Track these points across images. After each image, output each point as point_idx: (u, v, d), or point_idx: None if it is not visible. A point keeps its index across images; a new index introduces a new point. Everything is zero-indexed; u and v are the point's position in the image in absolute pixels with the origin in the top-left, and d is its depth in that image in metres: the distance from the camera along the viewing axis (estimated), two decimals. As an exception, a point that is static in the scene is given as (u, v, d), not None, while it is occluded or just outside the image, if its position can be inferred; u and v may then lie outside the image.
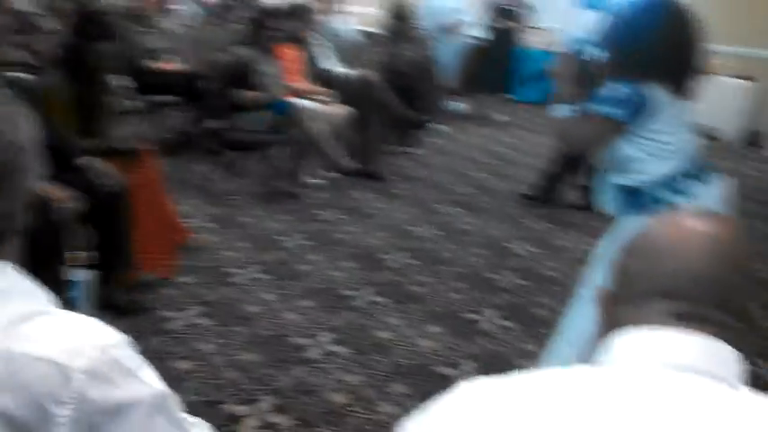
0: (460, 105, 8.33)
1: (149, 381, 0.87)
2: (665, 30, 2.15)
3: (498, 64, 8.08)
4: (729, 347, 0.80)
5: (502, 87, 8.31)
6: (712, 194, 2.23)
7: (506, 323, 3.31)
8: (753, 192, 6.17)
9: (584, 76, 2.46)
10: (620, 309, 0.86)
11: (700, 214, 0.90)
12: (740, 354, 0.81)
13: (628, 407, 0.74)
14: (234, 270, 3.63)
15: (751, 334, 0.84)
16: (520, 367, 2.82)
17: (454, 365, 2.91)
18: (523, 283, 3.80)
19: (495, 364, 2.95)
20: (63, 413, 0.79)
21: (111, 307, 3.03)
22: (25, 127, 0.90)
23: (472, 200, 5.19)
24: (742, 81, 8.07)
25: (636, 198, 2.25)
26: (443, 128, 7.36)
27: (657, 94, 2.13)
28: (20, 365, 0.79)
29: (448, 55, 7.90)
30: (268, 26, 4.69)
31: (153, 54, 5.45)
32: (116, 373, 0.83)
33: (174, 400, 0.90)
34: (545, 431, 0.73)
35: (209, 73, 4.91)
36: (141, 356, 0.89)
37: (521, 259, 4.14)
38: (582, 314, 2.42)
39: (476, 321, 3.31)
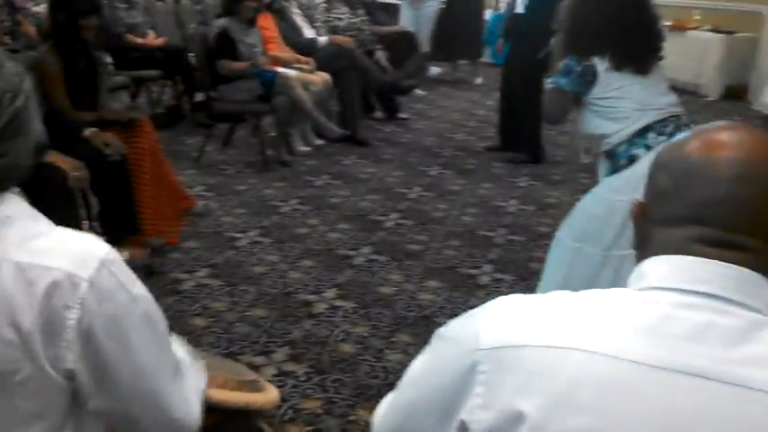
0: (436, 70, 8.43)
1: (140, 294, 1.01)
2: (600, 4, 2.42)
3: (471, 27, 8.16)
4: (759, 275, 0.78)
5: (479, 52, 8.40)
6: None
7: (503, 276, 3.47)
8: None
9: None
10: (654, 229, 0.85)
11: (734, 130, 0.85)
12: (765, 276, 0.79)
13: (649, 336, 0.75)
14: (235, 234, 3.74)
15: None
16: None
17: (456, 316, 3.05)
18: (517, 238, 3.96)
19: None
20: (71, 316, 0.93)
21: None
22: (28, 80, 1.01)
23: (458, 161, 5.33)
24: (721, 35, 8.24)
25: (614, 161, 2.48)
26: (423, 93, 7.47)
27: (602, 65, 2.41)
28: (34, 275, 0.92)
29: (421, 20, 8.00)
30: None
31: (134, 29, 5.47)
32: (113, 284, 0.96)
33: (159, 316, 1.04)
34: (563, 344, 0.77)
35: (191, 46, 4.96)
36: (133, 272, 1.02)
37: (512, 216, 4.30)
38: (555, 258, 2.62)
39: (474, 276, 3.46)
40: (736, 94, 8.15)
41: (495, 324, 0.83)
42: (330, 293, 3.19)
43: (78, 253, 0.95)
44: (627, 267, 2.45)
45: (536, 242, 3.84)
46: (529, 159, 5.30)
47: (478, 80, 8.37)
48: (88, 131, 3.07)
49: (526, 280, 3.37)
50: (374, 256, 3.61)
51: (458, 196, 4.58)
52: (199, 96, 5.33)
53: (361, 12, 6.37)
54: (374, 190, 4.59)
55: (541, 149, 5.37)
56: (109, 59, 4.96)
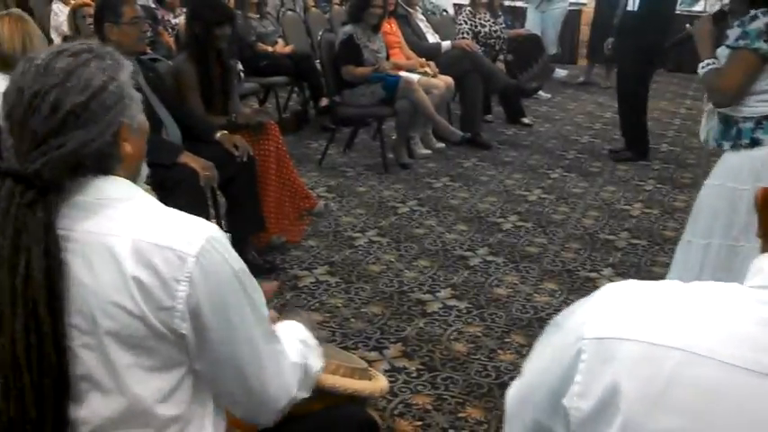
0: (564, 72, 8.26)
1: (241, 269, 1.09)
2: None
3: (605, 29, 7.92)
4: None
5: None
6: None
7: (623, 280, 3.35)
8: None
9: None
10: None
11: None
12: None
13: (758, 341, 0.72)
14: (354, 234, 3.85)
15: None
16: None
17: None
18: (639, 242, 3.81)
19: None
20: (180, 288, 1.03)
21: (247, 267, 3.31)
22: (126, 70, 1.12)
23: (582, 164, 5.20)
24: None
25: (731, 132, 2.34)
26: (548, 96, 7.34)
27: None
28: (147, 251, 1.03)
29: (549, 22, 7.86)
30: (371, 3, 4.84)
31: (265, 38, 5.75)
32: (217, 259, 1.05)
33: (259, 292, 1.12)
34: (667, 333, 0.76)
35: (318, 53, 5.14)
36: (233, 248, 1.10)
37: (636, 220, 4.14)
38: (681, 260, 2.50)
39: (592, 279, 3.37)
40: None
41: (601, 314, 0.82)
42: (444, 293, 3.21)
43: (186, 231, 1.05)
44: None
45: (660, 246, 3.69)
46: (633, 156, 5.15)
47: (608, 83, 8.12)
48: (219, 134, 3.26)
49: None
50: (491, 258, 3.60)
51: (579, 199, 4.47)
52: (324, 101, 5.51)
53: (501, 19, 6.39)
54: (493, 192, 4.57)
55: (646, 145, 5.21)
56: (240, 67, 5.25)
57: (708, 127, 2.50)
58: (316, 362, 1.28)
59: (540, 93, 7.26)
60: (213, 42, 3.48)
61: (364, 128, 5.35)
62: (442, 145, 5.41)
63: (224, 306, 1.06)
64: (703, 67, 2.38)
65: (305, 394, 1.23)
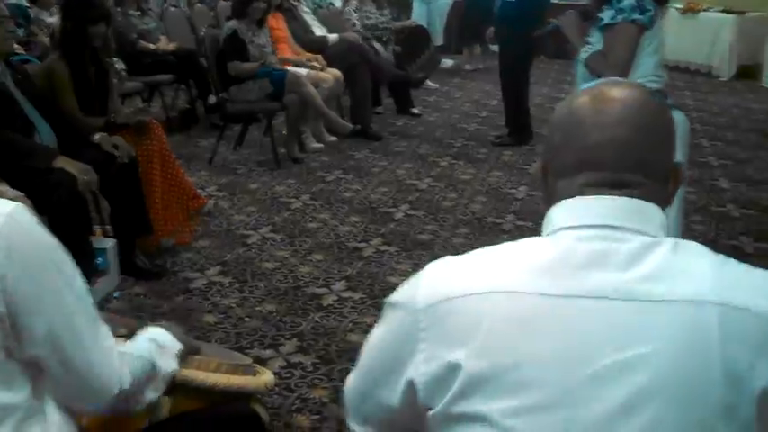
0: (449, 62, 8.45)
1: (49, 244, 1.10)
2: None
3: (482, 17, 8.17)
4: (649, 203, 0.88)
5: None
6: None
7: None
8: (755, 123, 6.30)
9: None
10: (556, 183, 0.93)
11: (613, 84, 0.95)
12: (660, 207, 0.89)
13: (555, 269, 0.84)
14: (246, 232, 3.81)
15: (667, 189, 0.93)
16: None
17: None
18: (524, 224, 3.97)
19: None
20: None
21: (135, 271, 3.22)
22: None
23: (469, 151, 5.35)
24: (732, 15, 8.13)
25: None
26: (435, 86, 7.49)
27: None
28: None
29: (435, 13, 8.03)
30: (254, -2, 4.79)
31: (147, 35, 5.57)
32: (21, 235, 1.06)
33: (73, 270, 1.13)
34: (481, 287, 0.85)
35: (202, 49, 5.03)
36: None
37: (520, 203, 4.30)
38: None
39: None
40: (748, 74, 8.04)
41: (429, 283, 0.91)
42: (339, 285, 3.23)
43: None
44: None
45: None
46: (516, 141, 5.36)
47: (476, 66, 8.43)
48: (97, 136, 3.15)
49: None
50: (384, 248, 3.65)
51: (467, 185, 4.60)
52: (212, 99, 5.40)
53: (387, 11, 6.44)
54: (385, 182, 4.63)
55: (529, 130, 5.44)
56: (122, 66, 5.08)
57: None
58: (168, 363, 1.28)
59: (429, 83, 7.41)
60: (87, 41, 3.35)
61: (254, 124, 5.28)
62: (333, 138, 5.43)
63: (34, 280, 1.05)
64: (586, 52, 2.51)
65: (153, 394, 1.22)
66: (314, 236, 3.78)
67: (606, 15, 2.42)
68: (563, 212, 0.90)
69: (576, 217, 0.88)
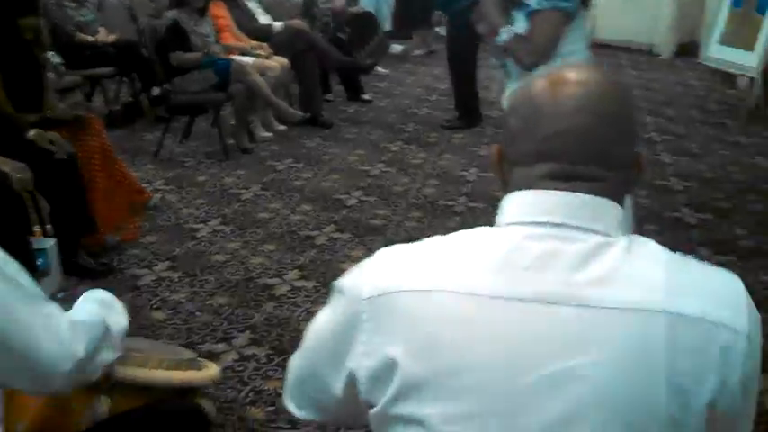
0: (399, 47, 8.42)
1: None
2: None
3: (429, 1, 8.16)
4: (606, 200, 0.82)
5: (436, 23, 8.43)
6: None
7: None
8: (696, 100, 6.42)
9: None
10: (512, 170, 0.88)
11: (574, 68, 0.88)
12: (619, 203, 0.84)
13: (500, 270, 0.80)
14: (196, 225, 3.73)
15: (630, 178, 0.87)
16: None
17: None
18: (476, 205, 3.98)
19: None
20: None
21: (79, 271, 3.13)
22: None
23: (420, 136, 5.34)
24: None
25: None
26: (386, 71, 7.45)
27: None
28: None
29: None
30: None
31: (85, 27, 5.41)
32: None
33: (12, 263, 1.11)
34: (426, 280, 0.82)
35: (143, 40, 4.91)
36: None
37: (471, 185, 4.32)
38: None
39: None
40: (688, 51, 8.20)
41: (376, 273, 0.87)
42: (292, 275, 3.20)
43: None
44: None
45: (496, 207, 3.86)
46: (464, 124, 5.38)
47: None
48: (32, 132, 3.04)
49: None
50: (336, 235, 3.62)
51: (419, 169, 4.60)
52: (156, 91, 5.28)
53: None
54: (337, 170, 4.59)
55: (478, 113, 5.45)
56: (59, 59, 4.91)
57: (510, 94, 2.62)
58: (119, 319, 1.26)
59: (378, 69, 7.36)
60: (17, 34, 3.23)
61: (202, 115, 5.18)
62: (283, 127, 5.36)
63: None
64: (505, 33, 2.48)
65: (111, 355, 1.20)
66: (265, 226, 3.73)
67: (533, 1, 2.42)
68: (515, 206, 0.85)
69: (529, 212, 0.83)
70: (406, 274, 0.84)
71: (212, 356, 2.59)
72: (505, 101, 2.66)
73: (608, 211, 0.83)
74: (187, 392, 1.40)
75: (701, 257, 3.40)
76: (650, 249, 0.83)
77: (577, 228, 0.81)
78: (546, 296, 0.78)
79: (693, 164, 4.73)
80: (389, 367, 0.81)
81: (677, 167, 4.65)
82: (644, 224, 3.67)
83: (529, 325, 0.77)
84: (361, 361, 0.84)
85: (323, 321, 0.94)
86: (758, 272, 3.16)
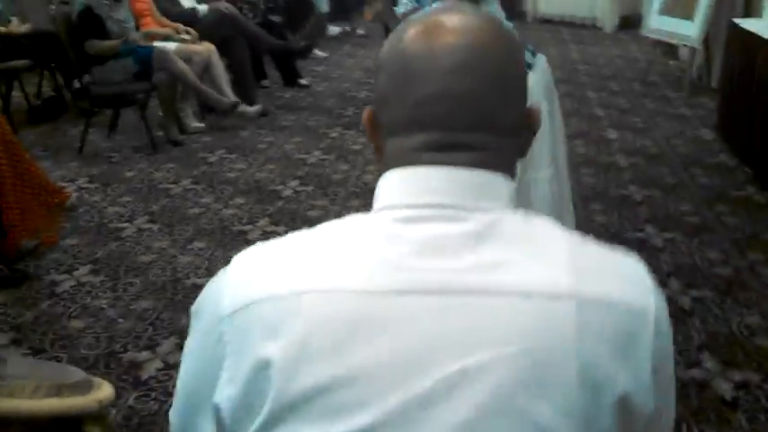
0: (336, 29, 8.23)
1: None
2: None
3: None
4: (494, 173, 0.70)
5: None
6: (542, 64, 2.38)
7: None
8: (639, 73, 6.39)
9: None
10: (386, 140, 0.74)
11: (454, 12, 0.72)
12: (510, 171, 0.72)
13: (378, 261, 0.66)
14: (121, 225, 3.50)
15: (521, 139, 0.75)
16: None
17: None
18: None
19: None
20: None
21: (-10, 280, 2.89)
22: None
23: (359, 120, 5.16)
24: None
25: None
26: (324, 54, 7.25)
27: None
28: None
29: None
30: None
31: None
32: None
33: None
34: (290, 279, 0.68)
35: (55, 28, 4.60)
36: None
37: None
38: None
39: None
40: (630, 24, 8.20)
41: (235, 283, 0.71)
42: (223, 273, 3.00)
43: None
44: (542, 186, 2.34)
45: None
46: None
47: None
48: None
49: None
50: (271, 228, 3.44)
51: (359, 155, 4.43)
52: (77, 83, 4.97)
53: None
54: (272, 159, 4.39)
55: None
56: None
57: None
58: None
59: (317, 52, 7.16)
60: None
61: (129, 107, 4.91)
62: (215, 116, 5.11)
63: None
64: (403, 4, 2.34)
65: None
66: (195, 222, 3.51)
67: None
68: (390, 186, 0.71)
69: (405, 192, 0.70)
70: (271, 279, 0.69)
71: (135, 366, 2.40)
72: None
73: (498, 184, 0.70)
74: (70, 422, 1.22)
75: (649, 235, 3.32)
76: (548, 227, 0.70)
77: (464, 207, 0.68)
78: (433, 287, 0.65)
79: (639, 139, 4.67)
80: (259, 389, 0.65)
81: (622, 143, 4.59)
82: (590, 203, 3.58)
83: (416, 322, 0.64)
84: (226, 390, 0.68)
85: (186, 354, 0.77)
86: (704, 249, 3.09)
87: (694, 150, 4.44)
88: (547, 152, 2.34)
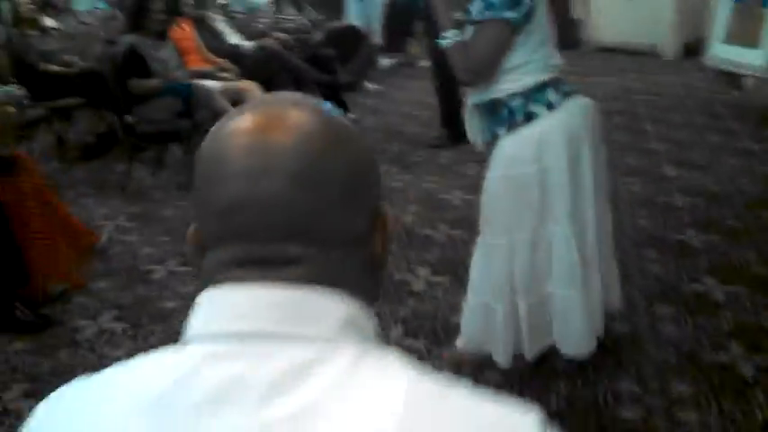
0: (389, 61, 8.15)
1: None
2: None
3: (402, 15, 7.87)
4: (320, 292, 0.58)
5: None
6: (573, 109, 2.17)
7: (438, 279, 3.16)
8: (702, 104, 6.05)
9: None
10: (206, 254, 0.62)
11: (278, 104, 0.62)
12: (345, 289, 0.59)
13: (161, 412, 0.55)
14: (151, 267, 3.44)
15: (364, 252, 0.62)
16: (452, 323, 2.69)
17: (383, 329, 2.76)
18: (457, 233, 3.66)
19: (425, 323, 2.81)
20: None
21: (15, 325, 2.85)
22: None
23: (405, 156, 5.02)
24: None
25: (500, 116, 2.18)
26: (375, 87, 7.17)
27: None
28: None
29: (371, 11, 7.72)
30: (151, 8, 4.41)
31: (49, 56, 5.16)
32: None
33: None
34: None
35: (100, 67, 4.64)
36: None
37: (456, 210, 3.99)
38: (482, 264, 2.34)
39: (408, 282, 3.15)
40: (693, 51, 7.82)
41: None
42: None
43: None
44: (560, 244, 2.14)
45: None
46: (446, 142, 5.03)
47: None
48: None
49: (463, 280, 3.07)
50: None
51: (401, 194, 4.28)
52: (126, 119, 5.01)
53: (308, 11, 6.10)
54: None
55: (463, 128, 5.11)
56: (23, 92, 4.67)
57: (472, 126, 2.33)
58: None
59: (368, 84, 7.09)
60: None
61: (174, 142, 4.90)
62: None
63: None
64: (446, 38, 2.18)
65: None
66: (226, 265, 3.42)
67: (475, 8, 2.12)
68: (200, 311, 0.60)
69: (213, 319, 0.59)
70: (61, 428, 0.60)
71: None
72: (470, 135, 2.37)
73: (325, 304, 0.58)
74: None
75: (708, 287, 3.00)
76: (387, 367, 0.57)
77: (274, 335, 0.56)
78: None
79: (700, 176, 4.35)
80: None
81: (681, 181, 4.29)
82: (643, 249, 3.32)
83: None
84: None
85: None
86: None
87: (762, 190, 4.10)
88: (564, 209, 2.14)
